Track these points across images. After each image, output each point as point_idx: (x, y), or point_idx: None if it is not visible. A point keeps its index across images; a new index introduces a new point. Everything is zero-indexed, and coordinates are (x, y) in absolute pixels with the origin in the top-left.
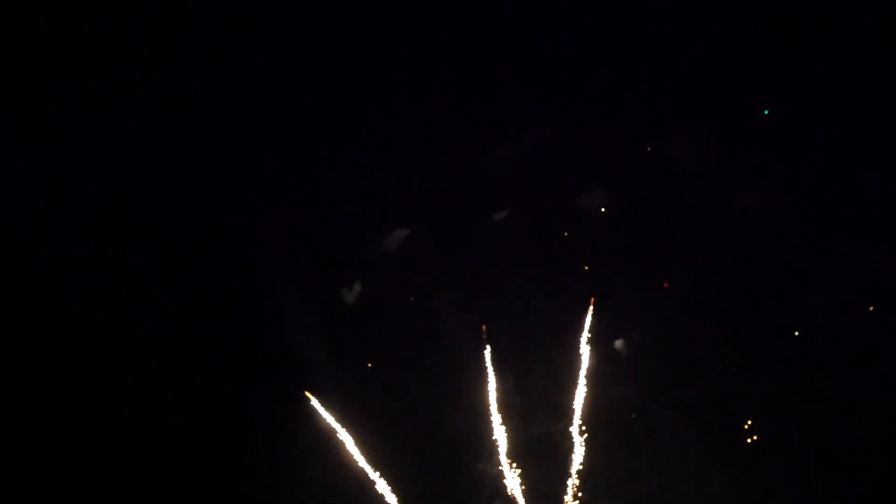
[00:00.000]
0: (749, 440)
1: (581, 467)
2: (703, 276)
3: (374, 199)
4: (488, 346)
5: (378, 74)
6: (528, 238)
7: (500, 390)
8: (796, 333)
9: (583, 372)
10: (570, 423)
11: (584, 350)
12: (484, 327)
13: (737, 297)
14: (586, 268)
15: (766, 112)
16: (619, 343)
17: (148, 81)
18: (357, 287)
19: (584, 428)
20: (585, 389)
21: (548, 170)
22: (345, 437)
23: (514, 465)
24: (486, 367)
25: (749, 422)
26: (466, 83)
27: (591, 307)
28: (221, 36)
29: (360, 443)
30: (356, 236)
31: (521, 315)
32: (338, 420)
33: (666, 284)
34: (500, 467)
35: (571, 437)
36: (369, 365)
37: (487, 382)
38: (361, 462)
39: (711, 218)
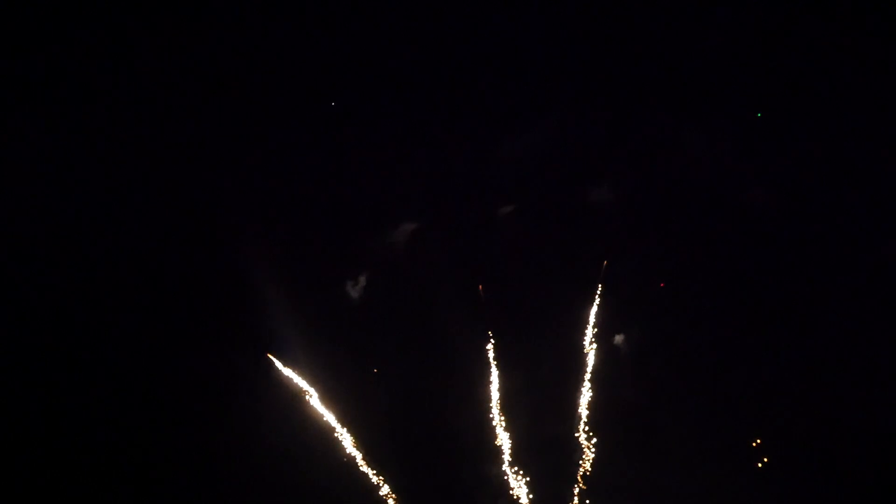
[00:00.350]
0: (759, 464)
1: (586, 468)
2: (711, 275)
3: (382, 193)
4: (492, 342)
5: (388, 69)
6: (534, 233)
7: (505, 388)
8: (803, 336)
9: (589, 371)
10: (575, 424)
11: (591, 348)
12: (480, 287)
13: (745, 297)
14: (605, 262)
15: (759, 115)
16: (619, 338)
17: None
18: (362, 281)
19: (590, 432)
20: (590, 388)
21: (555, 165)
22: (346, 437)
23: (519, 465)
24: (490, 365)
25: (758, 440)
26: (474, 79)
27: (604, 268)
28: (237, 28)
29: (362, 442)
30: (363, 230)
31: (527, 311)
32: (339, 420)
33: (662, 284)
34: (503, 467)
35: (576, 438)
36: (375, 370)
37: (491, 381)
38: (366, 462)
39: (720, 215)
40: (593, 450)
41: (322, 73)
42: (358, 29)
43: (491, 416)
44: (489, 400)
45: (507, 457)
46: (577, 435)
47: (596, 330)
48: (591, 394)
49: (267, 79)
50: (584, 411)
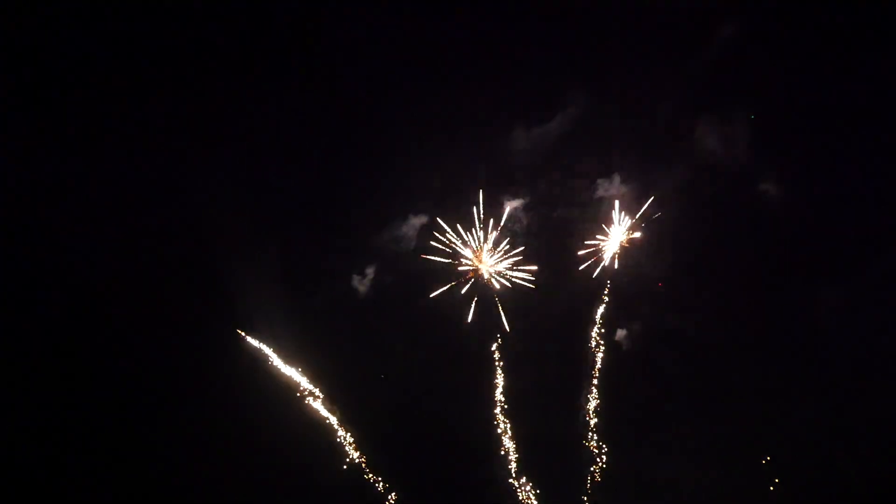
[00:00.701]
0: (771, 487)
1: (594, 470)
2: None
3: (390, 186)
4: (500, 340)
5: (399, 64)
6: (542, 227)
7: (511, 387)
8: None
9: (595, 370)
10: (582, 423)
11: (597, 349)
12: (481, 192)
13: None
14: (625, 244)
15: (752, 117)
16: (623, 335)
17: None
18: (370, 273)
19: (596, 434)
20: (597, 388)
21: (564, 160)
22: (350, 436)
23: (526, 465)
24: (496, 363)
25: (768, 457)
26: (484, 73)
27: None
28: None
29: (369, 440)
30: (372, 223)
31: (535, 307)
32: (344, 419)
33: (660, 284)
34: (511, 468)
35: (583, 437)
36: (382, 376)
37: (498, 379)
38: (370, 461)
39: (732, 211)
40: (600, 451)
41: (334, 64)
42: (371, 24)
43: (497, 415)
44: (495, 399)
45: (513, 457)
46: (585, 442)
47: (602, 331)
48: (597, 394)
49: (278, 74)
50: (591, 410)
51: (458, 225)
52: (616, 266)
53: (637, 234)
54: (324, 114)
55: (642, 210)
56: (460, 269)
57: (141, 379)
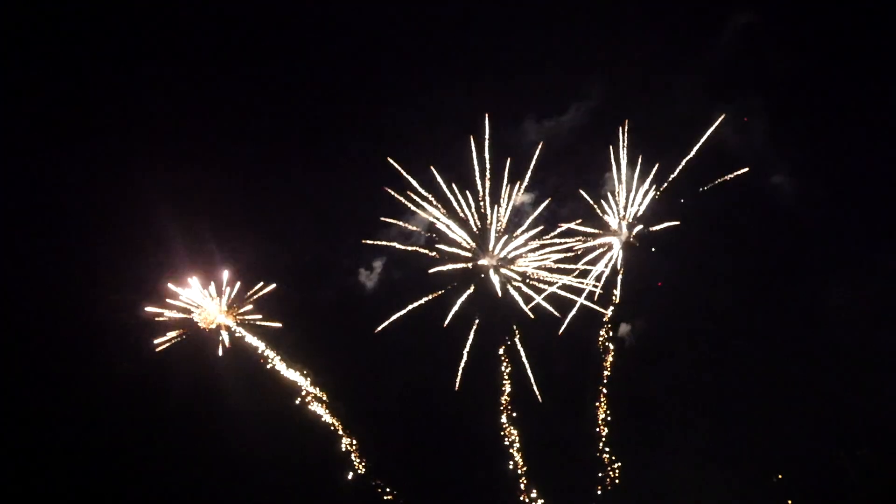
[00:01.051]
0: None
1: (605, 472)
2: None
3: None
4: (507, 340)
5: (409, 55)
6: (550, 222)
7: (518, 386)
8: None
9: (604, 375)
10: (591, 428)
11: (604, 347)
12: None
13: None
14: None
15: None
16: (627, 331)
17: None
18: (378, 267)
19: (606, 436)
20: (605, 395)
21: (573, 155)
22: (355, 442)
23: (532, 465)
24: (504, 362)
25: (779, 475)
26: (493, 66)
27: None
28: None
29: (375, 446)
30: (378, 219)
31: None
32: (343, 422)
33: (660, 283)
34: (519, 465)
35: (591, 442)
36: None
37: (506, 378)
38: (376, 468)
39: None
40: (611, 461)
41: (342, 54)
42: (379, 19)
43: (504, 414)
44: (502, 397)
45: (521, 467)
46: (597, 453)
47: (611, 333)
48: (605, 400)
49: (288, 60)
50: (600, 417)
51: (461, 218)
52: (622, 264)
53: (649, 228)
54: (331, 105)
55: (646, 204)
56: (463, 265)
57: (141, 380)
